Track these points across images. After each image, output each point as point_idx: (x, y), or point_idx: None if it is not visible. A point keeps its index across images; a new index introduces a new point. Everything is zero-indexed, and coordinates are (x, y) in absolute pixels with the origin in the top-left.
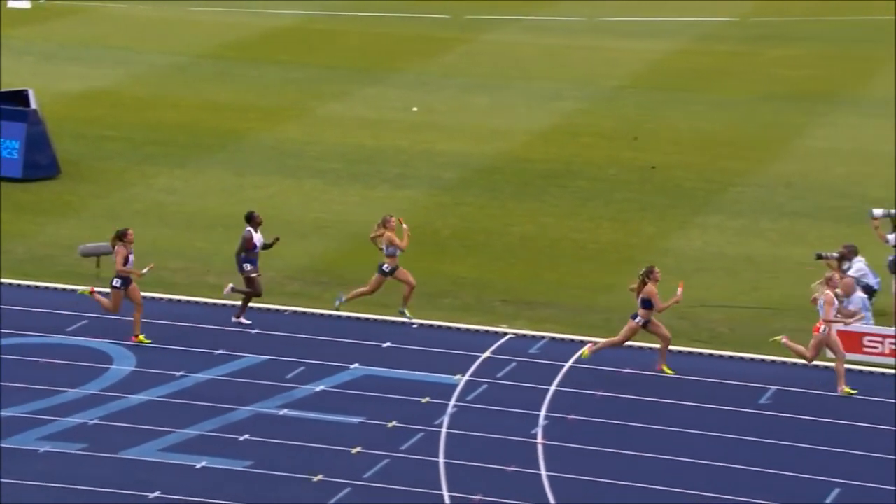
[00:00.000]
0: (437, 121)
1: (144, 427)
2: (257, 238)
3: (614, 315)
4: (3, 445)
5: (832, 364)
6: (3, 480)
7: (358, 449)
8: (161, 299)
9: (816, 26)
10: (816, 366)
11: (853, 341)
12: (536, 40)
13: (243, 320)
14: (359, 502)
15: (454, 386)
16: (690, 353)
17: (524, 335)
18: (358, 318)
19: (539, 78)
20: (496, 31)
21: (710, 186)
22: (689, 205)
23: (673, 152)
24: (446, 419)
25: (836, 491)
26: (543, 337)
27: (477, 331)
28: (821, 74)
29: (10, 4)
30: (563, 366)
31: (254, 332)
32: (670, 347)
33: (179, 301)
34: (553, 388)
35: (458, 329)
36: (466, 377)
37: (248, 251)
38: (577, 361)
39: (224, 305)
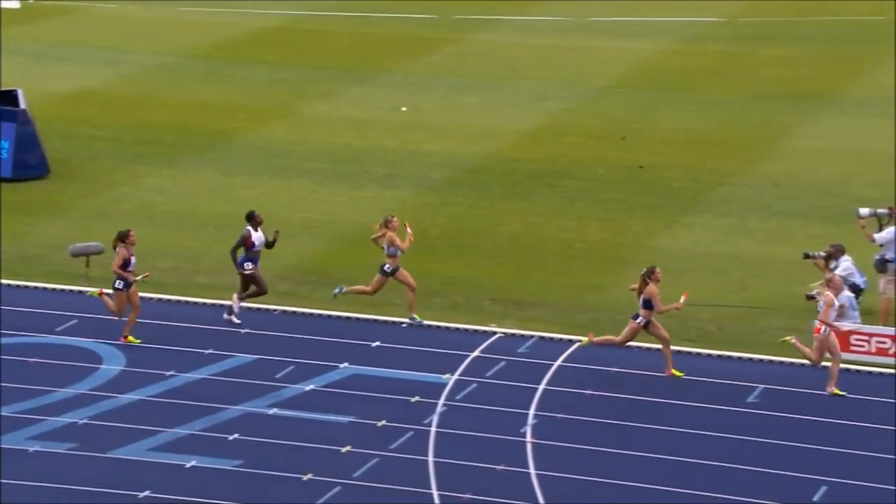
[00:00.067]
0: (425, 121)
1: (134, 426)
2: (257, 237)
3: (602, 314)
4: None
5: (828, 364)
6: None
7: (347, 448)
8: (151, 299)
9: (806, 27)
10: (810, 365)
11: (840, 340)
12: (524, 40)
13: (234, 319)
14: (348, 501)
15: (443, 385)
16: (679, 351)
17: (513, 334)
18: (347, 318)
19: (527, 78)
20: (484, 32)
21: (698, 186)
22: (677, 204)
23: (661, 152)
24: (436, 418)
25: (824, 489)
26: (532, 336)
27: (466, 330)
28: (810, 74)
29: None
30: (551, 365)
31: (243, 331)
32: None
33: (169, 301)
34: (542, 386)
35: (447, 328)
36: (456, 376)
37: (247, 250)
38: (572, 354)
39: (213, 305)
